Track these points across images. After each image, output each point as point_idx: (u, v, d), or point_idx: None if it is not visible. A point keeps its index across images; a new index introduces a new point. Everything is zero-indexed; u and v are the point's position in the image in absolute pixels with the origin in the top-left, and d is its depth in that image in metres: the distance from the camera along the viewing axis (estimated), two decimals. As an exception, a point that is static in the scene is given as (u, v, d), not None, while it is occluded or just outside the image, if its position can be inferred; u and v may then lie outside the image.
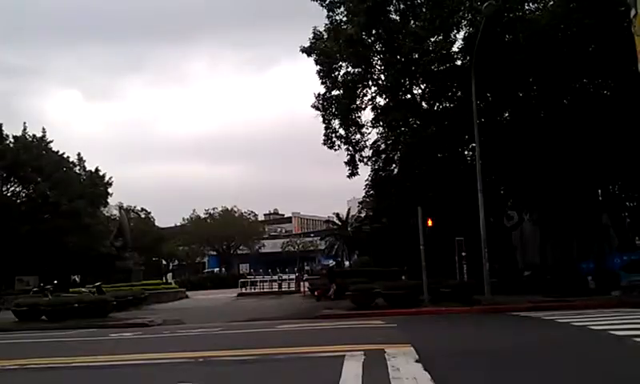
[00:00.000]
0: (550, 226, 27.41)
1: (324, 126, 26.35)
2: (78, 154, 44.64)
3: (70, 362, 10.09)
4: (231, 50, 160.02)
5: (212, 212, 67.01)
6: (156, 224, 63.60)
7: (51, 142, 42.47)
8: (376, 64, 25.07)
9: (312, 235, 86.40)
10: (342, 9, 24.52)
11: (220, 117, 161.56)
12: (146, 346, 12.80)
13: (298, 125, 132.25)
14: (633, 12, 16.16)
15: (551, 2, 22.23)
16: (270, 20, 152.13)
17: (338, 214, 67.19)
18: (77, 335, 15.73)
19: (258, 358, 9.55)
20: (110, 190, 45.44)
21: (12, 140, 40.54)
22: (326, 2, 24.68)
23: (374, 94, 25.96)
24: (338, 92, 25.69)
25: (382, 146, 26.95)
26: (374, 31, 23.79)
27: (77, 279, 26.17)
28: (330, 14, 24.71)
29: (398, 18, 24.06)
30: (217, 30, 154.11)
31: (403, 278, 24.26)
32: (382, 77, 25.12)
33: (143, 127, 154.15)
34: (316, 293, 19.01)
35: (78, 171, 44.06)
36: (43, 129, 42.72)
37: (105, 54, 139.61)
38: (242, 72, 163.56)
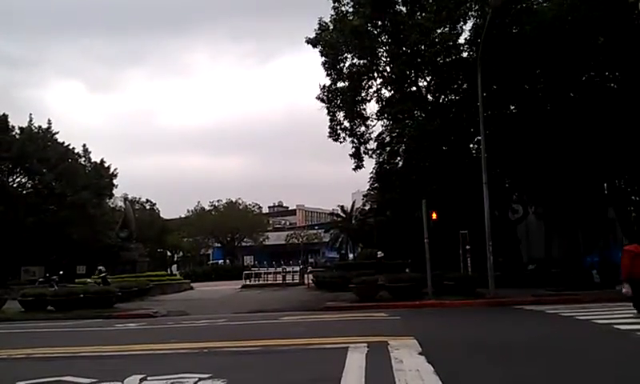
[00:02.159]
0: (556, 220, 27.29)
1: (329, 118, 26.29)
2: (84, 146, 44.86)
3: (76, 352, 10.17)
4: (233, 42, 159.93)
5: (216, 204, 67.13)
6: (161, 215, 63.84)
7: (57, 133, 42.68)
8: (381, 56, 24.94)
9: (316, 228, 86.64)
10: (348, -1, 24.37)
11: (223, 109, 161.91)
12: (150, 336, 12.87)
13: (302, 117, 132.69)
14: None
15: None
16: (271, 10, 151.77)
17: (342, 207, 67.28)
18: (82, 325, 15.85)
19: (261, 350, 9.59)
20: (115, 182, 45.67)
21: (18, 131, 40.68)
22: (332, -8, 24.52)
23: (379, 86, 25.88)
24: (343, 84, 25.59)
25: (387, 138, 26.87)
26: (379, 22, 23.67)
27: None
28: (336, 4, 24.56)
29: (404, 9, 23.91)
30: (218, 22, 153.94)
31: (407, 270, 24.24)
32: (388, 69, 25.01)
33: (147, 119, 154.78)
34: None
35: (83, 162, 44.22)
36: (49, 120, 42.91)
37: (106, 46, 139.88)
38: (244, 63, 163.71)
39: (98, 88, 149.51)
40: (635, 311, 11.89)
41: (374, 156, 27.15)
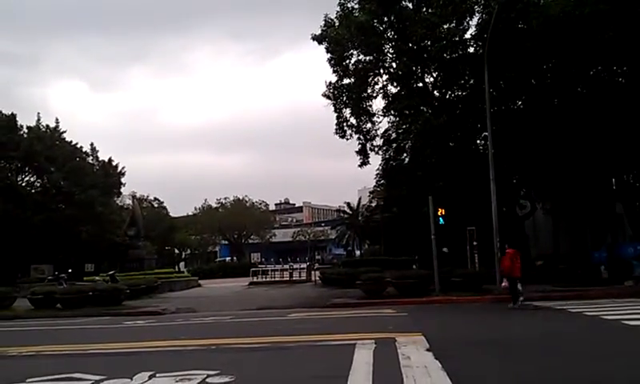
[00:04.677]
0: (563, 216, 27.16)
1: (335, 115, 26.28)
2: (91, 144, 45.06)
3: (85, 349, 10.25)
4: (235, 39, 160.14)
5: (223, 201, 67.26)
6: (168, 213, 64.06)
7: (64, 132, 42.90)
8: (387, 52, 24.86)
9: (323, 224, 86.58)
10: (354, -5, 24.27)
11: (227, 106, 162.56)
12: (159, 333, 12.93)
13: (307, 114, 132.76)
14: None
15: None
16: (272, 8, 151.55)
17: (348, 204, 67.26)
18: (91, 323, 15.95)
19: (269, 346, 9.62)
20: (122, 180, 45.86)
21: (25, 130, 40.94)
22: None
23: (385, 83, 25.79)
24: (349, 80, 25.54)
25: (393, 134, 26.82)
26: (385, 18, 23.60)
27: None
28: (342, 0, 24.51)
29: (409, 4, 23.82)
30: (219, 20, 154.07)
31: (414, 267, 24.24)
32: (394, 65, 24.93)
33: (151, 117, 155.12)
34: None
35: (91, 161, 44.41)
36: (56, 119, 43.15)
37: (108, 45, 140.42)
38: (247, 61, 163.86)
39: (100, 87, 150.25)
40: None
41: (380, 152, 27.14)
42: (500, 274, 15.26)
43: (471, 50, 23.23)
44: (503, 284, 15.00)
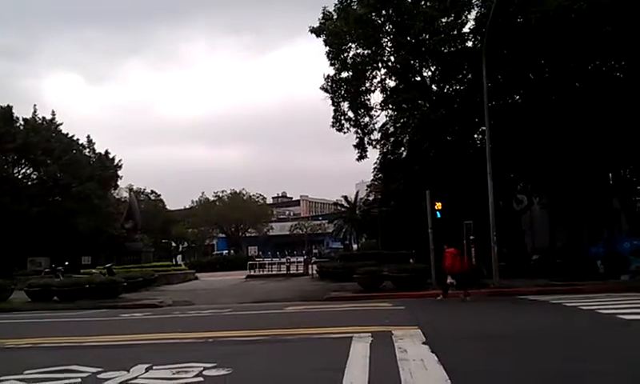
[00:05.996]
0: (560, 210, 27.23)
1: (333, 108, 26.20)
2: (88, 137, 44.97)
3: (82, 342, 10.25)
4: (232, 32, 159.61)
5: (221, 195, 67.23)
6: (166, 206, 64.00)
7: (61, 124, 42.78)
8: (386, 45, 24.78)
9: (320, 218, 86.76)
10: (353, -12, 24.14)
11: (225, 100, 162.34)
12: (156, 326, 12.94)
13: (304, 107, 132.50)
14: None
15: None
16: (269, 1, 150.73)
17: (346, 197, 67.23)
18: (88, 315, 15.95)
19: (266, 339, 9.64)
20: (119, 173, 45.78)
21: (22, 123, 40.77)
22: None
23: (383, 76, 25.72)
24: (347, 74, 25.45)
25: (391, 128, 26.80)
26: (384, 11, 23.51)
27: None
28: (341, -7, 24.36)
29: (408, -3, 23.74)
30: (215, 13, 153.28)
31: (411, 261, 24.26)
32: (392, 58, 24.84)
33: (148, 110, 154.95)
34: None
35: (87, 154, 44.31)
36: (53, 111, 43.24)
37: (104, 38, 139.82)
38: (244, 54, 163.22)
39: (96, 79, 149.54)
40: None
41: (377, 146, 27.12)
42: (446, 272, 16.18)
43: (469, 44, 23.18)
44: (449, 280, 15.98)
